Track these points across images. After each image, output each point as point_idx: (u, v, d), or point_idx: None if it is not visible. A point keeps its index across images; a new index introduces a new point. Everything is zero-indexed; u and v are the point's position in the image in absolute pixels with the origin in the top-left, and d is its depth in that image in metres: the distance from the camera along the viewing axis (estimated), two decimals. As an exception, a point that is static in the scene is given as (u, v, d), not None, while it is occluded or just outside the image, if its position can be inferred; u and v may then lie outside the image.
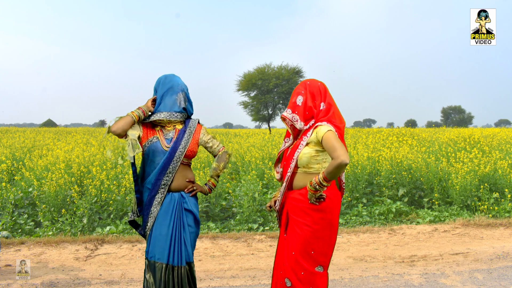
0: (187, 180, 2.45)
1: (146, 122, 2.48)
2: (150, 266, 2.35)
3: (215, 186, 2.63)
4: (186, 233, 2.40)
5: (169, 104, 2.43)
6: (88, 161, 7.13)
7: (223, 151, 2.63)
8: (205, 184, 2.60)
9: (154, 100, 2.48)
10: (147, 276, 2.36)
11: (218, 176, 2.62)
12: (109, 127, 2.37)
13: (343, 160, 1.98)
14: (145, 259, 2.41)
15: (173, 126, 2.48)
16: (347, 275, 3.71)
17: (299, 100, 2.29)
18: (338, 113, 2.32)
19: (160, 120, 2.44)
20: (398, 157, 6.91)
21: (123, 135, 2.37)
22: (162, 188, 2.38)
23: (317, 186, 2.09)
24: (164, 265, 2.32)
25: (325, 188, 2.11)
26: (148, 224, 2.40)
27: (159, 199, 2.38)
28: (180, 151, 2.40)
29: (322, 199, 2.15)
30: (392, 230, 5.18)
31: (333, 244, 2.23)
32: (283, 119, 2.34)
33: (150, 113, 2.48)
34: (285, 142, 2.39)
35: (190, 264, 2.40)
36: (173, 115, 2.43)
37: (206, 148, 2.60)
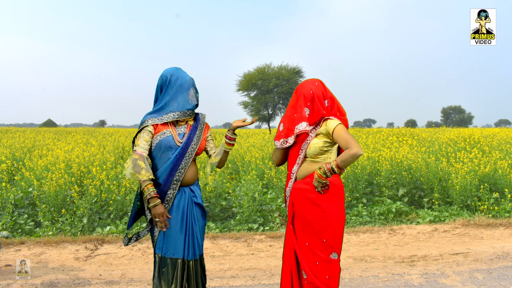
0: None
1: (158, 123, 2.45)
2: (165, 263, 2.33)
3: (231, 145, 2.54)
4: (197, 227, 2.42)
5: (182, 103, 2.41)
6: (88, 161, 7.13)
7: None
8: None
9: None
10: (162, 273, 2.33)
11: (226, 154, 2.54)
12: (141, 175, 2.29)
13: (358, 151, 2.13)
14: (158, 256, 2.37)
15: (186, 121, 2.48)
16: (347, 275, 3.71)
17: (307, 111, 2.35)
18: (339, 105, 2.46)
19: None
20: (398, 157, 6.91)
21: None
22: (174, 184, 2.36)
23: (328, 173, 2.19)
24: (180, 260, 2.33)
25: (331, 176, 2.21)
26: None
27: (171, 195, 2.36)
28: (193, 147, 2.40)
29: (326, 187, 2.25)
30: (392, 230, 5.18)
31: (342, 230, 2.29)
32: (299, 134, 2.37)
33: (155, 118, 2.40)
34: (284, 143, 2.42)
35: (201, 257, 2.44)
36: (186, 113, 2.43)
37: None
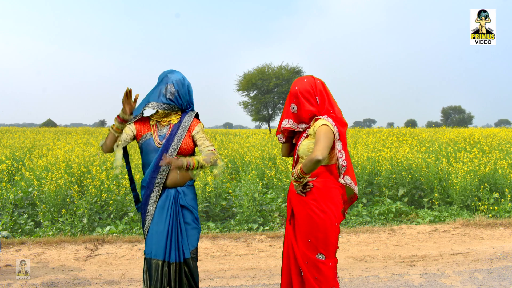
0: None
1: (140, 118, 2.47)
2: (147, 263, 2.34)
3: (194, 167, 2.29)
4: (183, 229, 2.38)
5: (157, 95, 2.41)
6: (88, 161, 7.12)
7: (211, 152, 2.40)
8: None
9: (132, 100, 2.25)
10: (145, 273, 2.36)
11: (202, 167, 2.33)
12: (102, 150, 2.43)
13: (316, 155, 2.10)
14: (144, 256, 2.41)
15: (168, 121, 2.44)
16: (347, 275, 3.71)
17: (293, 108, 2.35)
18: (330, 101, 2.38)
19: (156, 114, 2.45)
20: (398, 157, 6.91)
21: (114, 149, 2.37)
22: (156, 186, 2.36)
23: (296, 177, 2.21)
24: (160, 262, 2.31)
25: (305, 180, 2.21)
26: (147, 222, 2.39)
27: (155, 197, 2.37)
28: (173, 148, 2.34)
29: (308, 189, 2.24)
30: (392, 230, 5.18)
31: (330, 232, 2.22)
32: (283, 131, 2.42)
33: (132, 114, 2.31)
34: (280, 139, 2.50)
35: (188, 261, 2.37)
36: (161, 105, 2.37)
37: (195, 145, 2.47)
